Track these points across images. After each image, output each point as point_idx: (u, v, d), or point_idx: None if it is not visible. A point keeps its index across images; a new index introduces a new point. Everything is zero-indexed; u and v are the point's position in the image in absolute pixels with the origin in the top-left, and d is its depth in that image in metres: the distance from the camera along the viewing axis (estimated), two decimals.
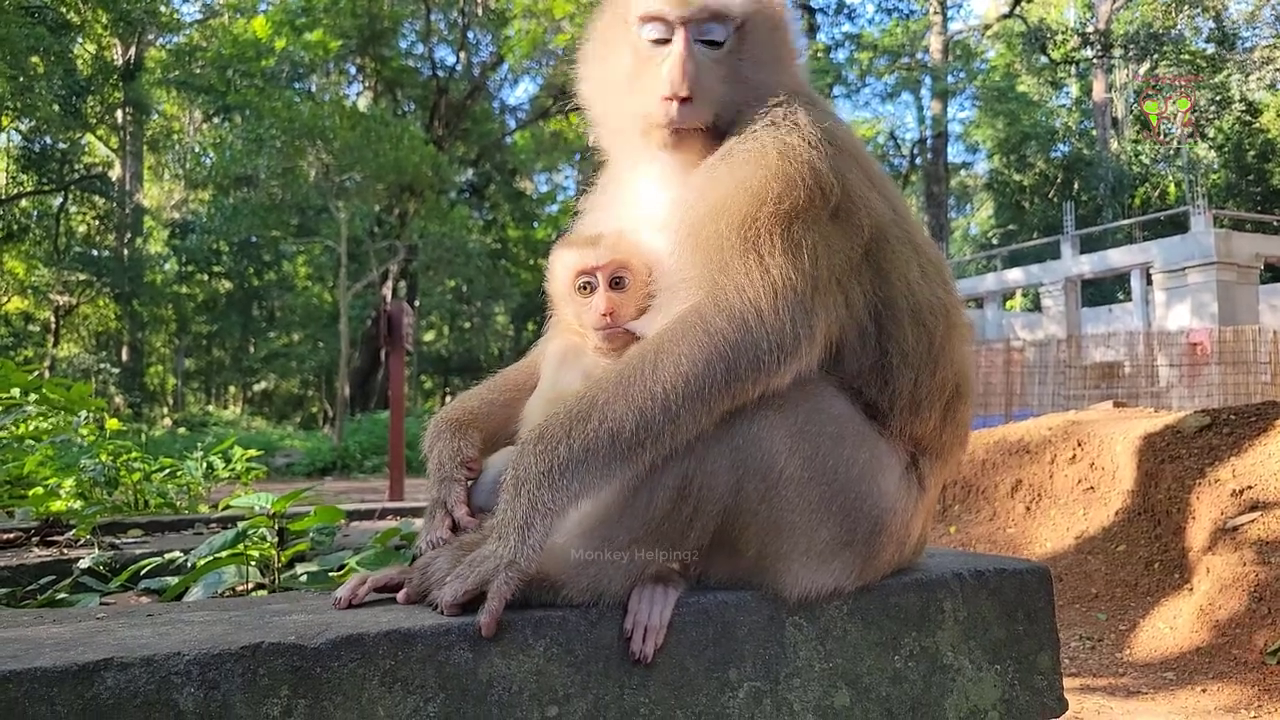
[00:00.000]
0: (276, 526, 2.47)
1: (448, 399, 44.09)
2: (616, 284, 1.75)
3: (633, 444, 1.40)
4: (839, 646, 1.62)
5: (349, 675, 1.33)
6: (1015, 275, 28.44)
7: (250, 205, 27.97)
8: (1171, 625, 5.16)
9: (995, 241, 37.14)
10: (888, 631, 1.66)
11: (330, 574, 2.56)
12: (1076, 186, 35.69)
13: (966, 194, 44.40)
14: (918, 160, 39.94)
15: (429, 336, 38.62)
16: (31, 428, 4.54)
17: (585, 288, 1.75)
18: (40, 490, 3.73)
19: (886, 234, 1.65)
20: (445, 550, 1.53)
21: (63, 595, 2.32)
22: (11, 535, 3.19)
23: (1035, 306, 30.42)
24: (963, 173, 44.23)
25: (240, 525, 2.45)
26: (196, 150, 32.32)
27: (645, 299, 1.73)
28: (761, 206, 1.52)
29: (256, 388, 40.42)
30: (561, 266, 1.80)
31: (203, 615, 1.48)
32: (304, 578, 2.47)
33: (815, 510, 1.51)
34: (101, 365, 32.87)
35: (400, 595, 1.54)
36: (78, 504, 3.81)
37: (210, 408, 38.26)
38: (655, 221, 1.73)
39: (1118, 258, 25.40)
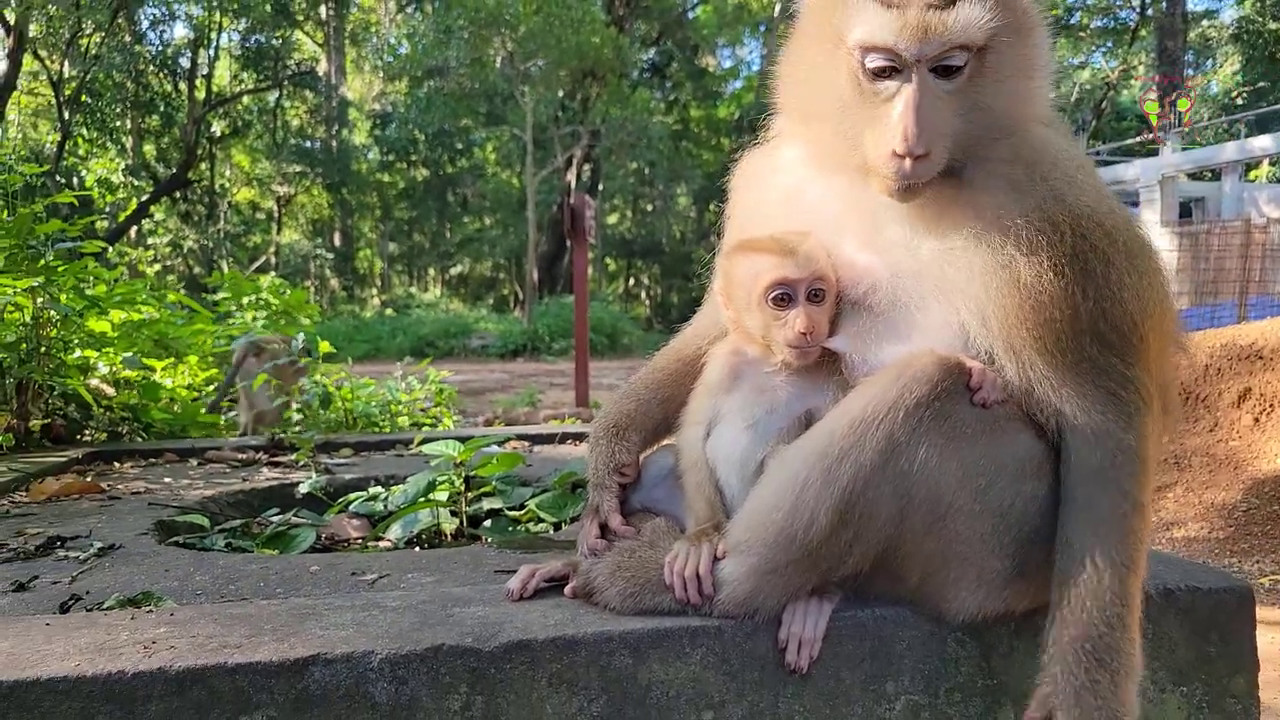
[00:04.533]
0: (463, 474, 2.66)
1: (631, 283, 44.98)
2: (814, 297, 1.58)
3: None
4: (1004, 664, 1.58)
5: (519, 676, 1.44)
6: (1263, 142, 24.98)
7: (442, 95, 28.91)
8: None
9: (1240, 102, 32.74)
10: None
11: (511, 512, 2.75)
12: None
13: (1208, 48, 38.97)
14: (1149, 11, 35.32)
15: (612, 219, 39.11)
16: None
17: (782, 300, 1.58)
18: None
19: None
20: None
21: (284, 529, 2.61)
22: (245, 456, 3.61)
23: None
24: (1204, 23, 38.75)
25: (430, 475, 2.65)
26: (392, 42, 33.47)
27: (834, 311, 1.62)
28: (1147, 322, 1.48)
29: (453, 271, 42.71)
30: (750, 274, 1.61)
31: (395, 602, 1.64)
32: (488, 523, 2.66)
33: (986, 542, 1.46)
34: (318, 251, 35.69)
35: (567, 590, 1.64)
36: (297, 420, 4.26)
37: (413, 290, 40.88)
38: (860, 241, 1.61)
39: None
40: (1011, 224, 1.44)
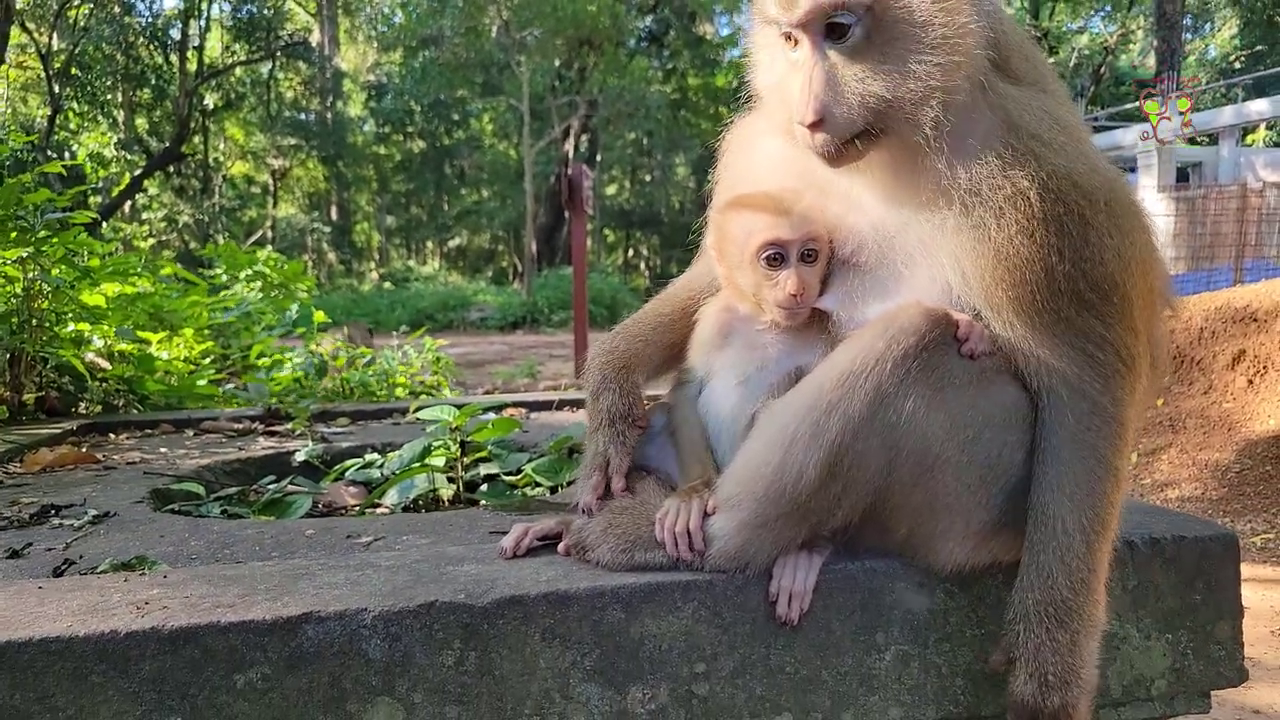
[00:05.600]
0: (459, 439, 2.66)
1: (630, 254, 44.82)
2: (807, 258, 1.58)
3: None
4: (993, 614, 1.59)
5: (512, 631, 1.45)
6: (1260, 106, 24.78)
7: (437, 66, 28.68)
8: None
9: (1238, 66, 32.46)
10: None
11: (508, 477, 2.75)
12: None
13: (1206, 11, 38.53)
14: None
15: (611, 190, 38.92)
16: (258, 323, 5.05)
17: (774, 260, 1.58)
18: (271, 375, 4.19)
19: None
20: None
21: (280, 496, 2.61)
22: (241, 426, 3.61)
23: None
24: None
25: (426, 440, 2.65)
26: (385, 11, 33.12)
27: (826, 271, 1.61)
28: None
29: (451, 243, 42.57)
30: (743, 232, 1.60)
31: (389, 562, 1.64)
32: (484, 487, 2.67)
33: (973, 493, 1.46)
34: (315, 225, 35.52)
35: (560, 547, 1.65)
36: (293, 389, 4.25)
37: (411, 263, 40.76)
38: (844, 202, 1.61)
39: None
40: (971, 186, 1.42)
